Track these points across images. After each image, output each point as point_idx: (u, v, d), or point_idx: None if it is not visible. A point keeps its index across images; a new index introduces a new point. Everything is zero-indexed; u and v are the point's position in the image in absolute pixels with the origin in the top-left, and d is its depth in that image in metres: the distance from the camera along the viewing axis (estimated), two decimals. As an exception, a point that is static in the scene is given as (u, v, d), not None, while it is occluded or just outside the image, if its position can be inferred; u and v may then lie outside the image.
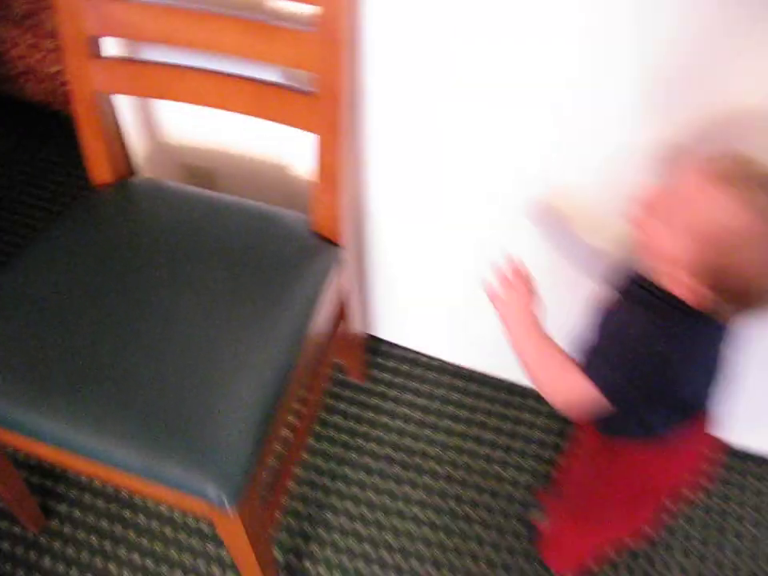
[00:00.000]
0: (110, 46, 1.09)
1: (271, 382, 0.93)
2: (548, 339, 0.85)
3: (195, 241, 1.07)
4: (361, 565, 1.23)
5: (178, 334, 0.96)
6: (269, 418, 0.91)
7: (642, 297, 0.81)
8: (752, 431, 1.31)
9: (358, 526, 1.28)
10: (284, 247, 1.09)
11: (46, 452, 0.95)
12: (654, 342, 0.77)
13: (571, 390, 0.81)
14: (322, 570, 1.23)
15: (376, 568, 1.23)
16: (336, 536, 1.27)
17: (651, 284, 0.80)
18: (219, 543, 1.24)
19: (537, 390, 0.83)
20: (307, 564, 1.23)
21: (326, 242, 1.11)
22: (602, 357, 0.80)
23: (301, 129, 1.03)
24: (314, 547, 1.25)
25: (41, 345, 0.94)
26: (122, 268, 1.04)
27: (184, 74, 1.05)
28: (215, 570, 1.22)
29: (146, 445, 0.87)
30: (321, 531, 1.27)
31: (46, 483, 1.32)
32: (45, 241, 1.07)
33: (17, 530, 1.26)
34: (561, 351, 0.83)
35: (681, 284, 0.75)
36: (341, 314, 1.23)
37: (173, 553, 1.24)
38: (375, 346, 1.52)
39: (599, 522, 1.09)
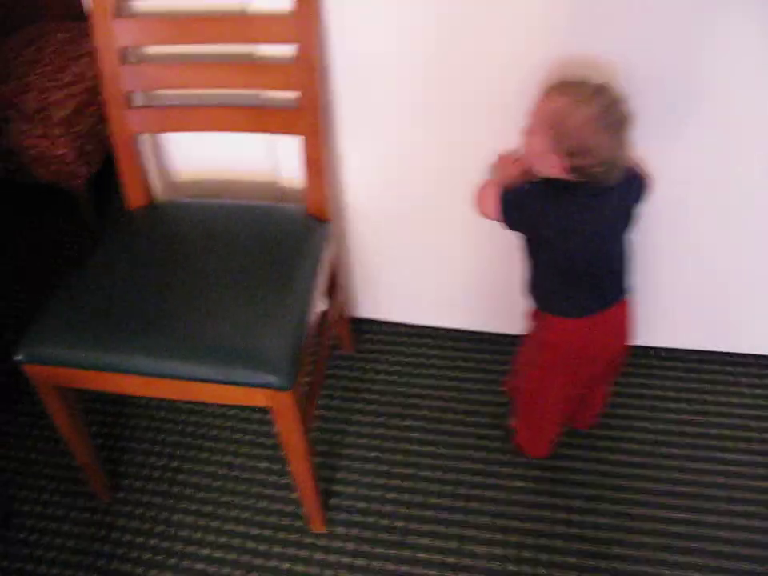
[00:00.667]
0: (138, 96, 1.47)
1: (297, 314, 1.28)
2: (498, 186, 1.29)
3: (217, 236, 1.42)
4: (382, 480, 1.57)
5: (222, 295, 1.31)
6: (300, 339, 1.25)
7: (539, 183, 1.23)
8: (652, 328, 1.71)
9: (375, 453, 1.61)
10: (287, 229, 1.45)
11: (138, 386, 1.27)
12: (542, 195, 1.21)
13: (487, 200, 1.28)
14: (350, 489, 1.55)
15: (395, 481, 1.56)
16: (357, 464, 1.59)
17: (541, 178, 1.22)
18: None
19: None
20: (337, 486, 1.56)
21: (318, 221, 1.48)
22: (512, 191, 1.25)
23: (291, 134, 1.41)
24: (341, 474, 1.58)
25: (131, 308, 1.28)
26: (167, 259, 1.38)
27: (200, 111, 1.43)
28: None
29: (222, 360, 1.20)
30: (343, 462, 1.60)
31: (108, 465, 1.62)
32: (108, 243, 1.42)
33: (80, 502, 1.56)
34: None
35: (553, 165, 1.17)
36: (333, 283, 1.59)
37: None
38: (358, 326, 1.88)
39: (544, 392, 1.44)
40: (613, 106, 1.13)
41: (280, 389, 1.19)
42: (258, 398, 1.23)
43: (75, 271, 1.36)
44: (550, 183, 1.21)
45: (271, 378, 1.18)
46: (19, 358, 1.25)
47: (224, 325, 1.25)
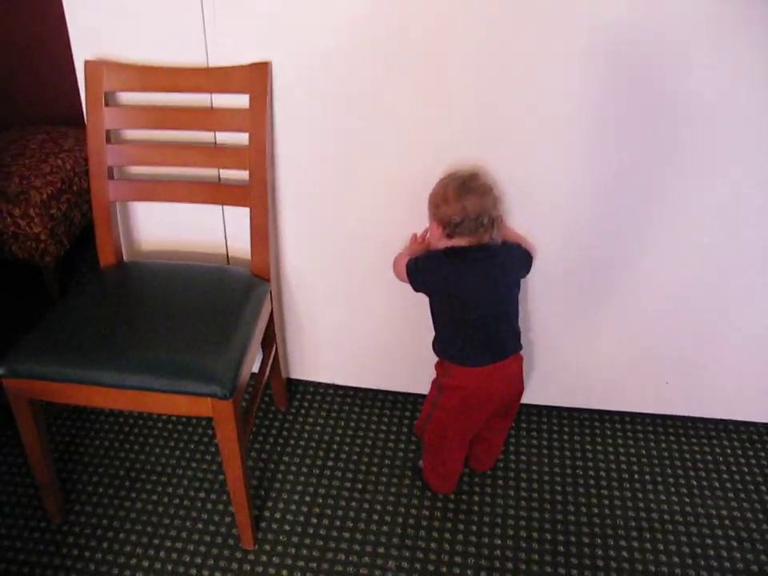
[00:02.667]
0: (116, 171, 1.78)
1: (238, 346, 1.54)
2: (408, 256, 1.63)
3: (174, 288, 1.69)
4: (305, 508, 1.79)
5: (176, 330, 1.57)
6: (240, 363, 1.50)
7: (437, 252, 1.57)
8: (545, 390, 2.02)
9: (300, 487, 1.83)
10: (233, 285, 1.73)
11: (101, 397, 1.49)
12: (438, 257, 1.55)
13: (398, 265, 1.64)
14: (277, 514, 1.77)
15: (317, 509, 1.79)
16: (284, 495, 1.81)
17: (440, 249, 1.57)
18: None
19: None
20: (266, 512, 1.77)
21: (260, 280, 1.78)
22: (417, 258, 1.58)
23: (241, 206, 1.72)
24: (270, 503, 1.80)
25: (97, 335, 1.53)
26: (130, 303, 1.66)
27: (168, 185, 1.74)
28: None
29: (173, 373, 1.44)
30: (272, 494, 1.82)
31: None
32: (80, 292, 1.68)
33: (32, 523, 1.74)
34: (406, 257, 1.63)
35: (438, 234, 1.55)
36: (271, 338, 1.87)
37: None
38: (291, 386, 2.14)
39: (445, 431, 1.69)
40: (465, 177, 1.53)
41: (222, 398, 1.44)
42: (202, 407, 1.47)
43: (50, 308, 1.62)
44: (444, 252, 1.56)
45: (215, 388, 1.44)
46: (0, 372, 1.48)
47: (177, 348, 1.50)
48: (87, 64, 1.65)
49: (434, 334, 1.66)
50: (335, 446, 1.96)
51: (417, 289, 1.62)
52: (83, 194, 2.47)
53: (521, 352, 1.65)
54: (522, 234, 1.70)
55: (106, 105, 1.68)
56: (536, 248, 1.71)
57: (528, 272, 1.67)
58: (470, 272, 1.54)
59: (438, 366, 1.72)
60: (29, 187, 2.27)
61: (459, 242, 1.54)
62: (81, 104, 1.69)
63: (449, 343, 1.63)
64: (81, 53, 1.67)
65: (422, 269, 1.59)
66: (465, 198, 1.50)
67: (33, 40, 2.85)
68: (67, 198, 2.37)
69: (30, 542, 1.69)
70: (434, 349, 1.68)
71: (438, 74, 1.55)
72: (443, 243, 1.56)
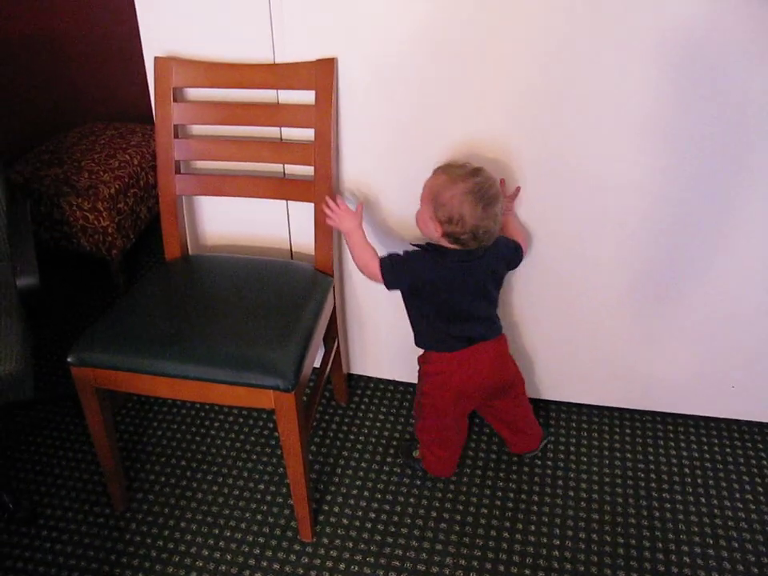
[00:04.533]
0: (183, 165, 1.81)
1: (302, 339, 1.55)
2: (363, 240, 1.59)
3: (239, 281, 1.71)
4: (363, 503, 1.80)
5: (241, 322, 1.59)
6: (303, 356, 1.51)
7: (422, 246, 1.55)
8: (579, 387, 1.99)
9: (359, 482, 1.84)
10: (297, 279, 1.75)
11: (164, 387, 1.53)
12: (420, 255, 1.53)
13: (369, 266, 1.56)
14: (336, 508, 1.78)
15: (375, 504, 1.79)
16: (343, 489, 1.83)
17: (426, 241, 1.56)
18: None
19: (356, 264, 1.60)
20: (325, 506, 1.79)
21: (323, 275, 1.79)
22: (390, 256, 1.55)
23: (306, 201, 1.74)
24: (329, 496, 1.81)
25: (164, 327, 1.56)
26: (196, 295, 1.67)
27: (234, 179, 1.77)
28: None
29: (238, 366, 1.46)
30: (331, 488, 1.83)
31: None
32: (146, 284, 1.71)
33: (97, 509, 1.78)
34: (370, 248, 1.58)
35: (433, 230, 1.50)
36: (333, 334, 1.88)
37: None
38: (352, 381, 2.15)
39: (436, 418, 1.70)
40: (482, 185, 1.45)
41: (285, 390, 1.45)
42: (265, 399, 1.48)
43: (117, 300, 1.65)
44: (427, 249, 1.54)
45: (278, 381, 1.45)
46: (69, 360, 1.52)
47: (241, 341, 1.52)
48: (157, 60, 1.68)
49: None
50: (394, 442, 1.96)
51: (392, 286, 1.57)
52: (149, 189, 2.52)
53: (503, 334, 1.67)
54: (521, 228, 1.71)
55: (175, 100, 1.71)
56: (530, 238, 1.73)
57: (513, 268, 1.67)
58: (453, 270, 1.53)
59: (419, 357, 1.72)
60: (98, 182, 2.32)
61: (451, 245, 1.51)
62: (149, 101, 1.72)
63: (425, 333, 1.65)
64: (151, 50, 1.70)
65: (401, 266, 1.55)
66: (483, 214, 1.45)
67: (104, 38, 2.92)
68: (134, 193, 2.42)
69: (95, 526, 1.74)
70: (415, 342, 1.69)
71: (508, 72, 1.54)
72: (433, 238, 1.53)
